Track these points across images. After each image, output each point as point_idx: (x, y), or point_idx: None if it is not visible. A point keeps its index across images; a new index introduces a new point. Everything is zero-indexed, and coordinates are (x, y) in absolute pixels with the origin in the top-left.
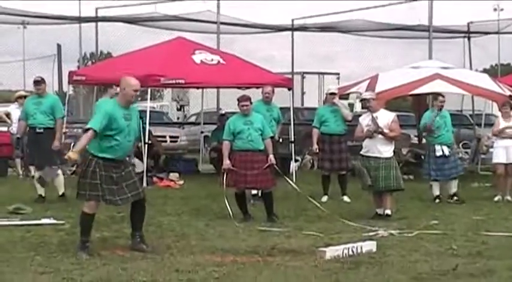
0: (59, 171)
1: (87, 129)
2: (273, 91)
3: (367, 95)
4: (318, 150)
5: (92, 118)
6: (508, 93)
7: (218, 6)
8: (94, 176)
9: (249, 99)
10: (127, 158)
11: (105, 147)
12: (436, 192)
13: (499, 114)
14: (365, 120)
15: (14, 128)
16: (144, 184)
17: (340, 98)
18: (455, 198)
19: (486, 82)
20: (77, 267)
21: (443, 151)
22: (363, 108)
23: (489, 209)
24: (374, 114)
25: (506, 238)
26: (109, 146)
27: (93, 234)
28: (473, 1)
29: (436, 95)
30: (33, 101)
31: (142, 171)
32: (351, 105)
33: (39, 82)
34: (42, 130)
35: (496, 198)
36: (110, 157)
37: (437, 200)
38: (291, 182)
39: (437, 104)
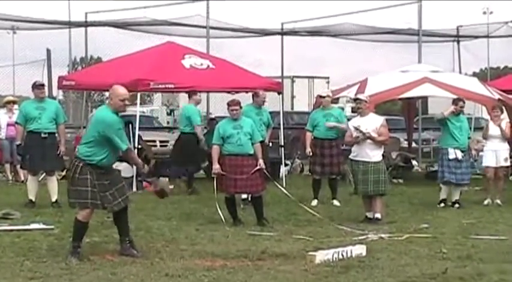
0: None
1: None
2: None
3: (362, 96)
4: (311, 154)
5: (117, 138)
6: (497, 96)
7: (208, 11)
8: (92, 184)
9: (238, 103)
10: None
11: (101, 154)
12: (443, 195)
13: (488, 117)
14: (355, 124)
15: (2, 133)
16: (134, 189)
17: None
18: (456, 205)
19: (475, 86)
20: (66, 273)
21: (456, 154)
22: (353, 111)
23: (479, 213)
24: (357, 124)
25: (495, 241)
26: (106, 154)
27: (83, 239)
28: (462, 5)
29: (456, 100)
30: (35, 105)
31: (132, 176)
32: (341, 109)
33: (42, 86)
34: (46, 135)
35: (485, 202)
36: (105, 164)
37: (442, 204)
38: (280, 187)
39: (457, 108)
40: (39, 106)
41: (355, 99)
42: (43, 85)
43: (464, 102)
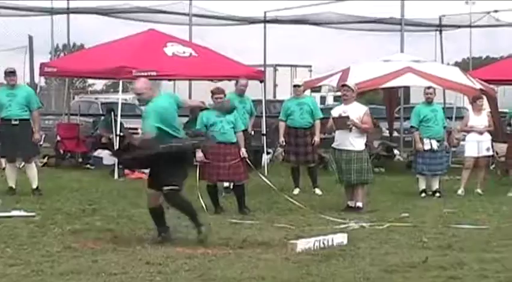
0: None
1: None
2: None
3: (350, 83)
4: (284, 143)
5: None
6: (478, 86)
7: None
8: None
9: (223, 92)
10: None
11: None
12: (422, 186)
13: (469, 107)
14: (336, 113)
15: None
16: (116, 176)
17: (312, 90)
18: (437, 194)
19: (457, 75)
20: (47, 260)
21: (431, 145)
22: (335, 100)
23: (459, 202)
24: (340, 111)
25: (476, 231)
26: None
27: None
28: None
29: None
30: (6, 92)
31: (114, 164)
32: (323, 98)
33: (12, 73)
34: (17, 122)
35: (459, 192)
36: None
37: (423, 194)
38: (262, 177)
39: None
40: (10, 93)
41: (343, 85)
42: (13, 72)
43: (429, 88)
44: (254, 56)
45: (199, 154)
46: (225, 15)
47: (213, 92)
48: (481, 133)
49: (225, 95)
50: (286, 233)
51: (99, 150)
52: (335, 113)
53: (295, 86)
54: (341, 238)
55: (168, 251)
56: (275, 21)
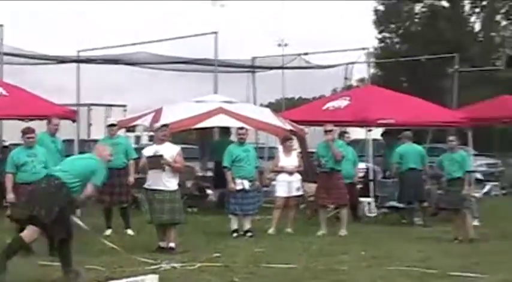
0: None
1: None
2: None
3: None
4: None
5: None
6: (288, 127)
7: (1, 37)
8: None
9: (33, 131)
10: None
11: None
12: (234, 226)
13: (280, 148)
14: (150, 152)
15: None
16: None
17: (127, 130)
18: (249, 234)
19: (267, 116)
20: None
21: (243, 185)
22: (150, 140)
23: (270, 241)
24: (154, 151)
25: (285, 269)
26: None
27: None
28: (258, 37)
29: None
30: None
31: None
32: (138, 138)
33: None
34: None
35: (270, 231)
36: None
37: (235, 234)
38: (74, 218)
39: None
40: None
41: (164, 125)
42: None
43: (242, 128)
44: (69, 95)
45: (9, 195)
46: (37, 54)
47: (24, 132)
48: (291, 173)
49: (35, 135)
50: (96, 275)
51: None
52: (147, 152)
53: (109, 125)
54: (152, 279)
55: None
56: (88, 60)
